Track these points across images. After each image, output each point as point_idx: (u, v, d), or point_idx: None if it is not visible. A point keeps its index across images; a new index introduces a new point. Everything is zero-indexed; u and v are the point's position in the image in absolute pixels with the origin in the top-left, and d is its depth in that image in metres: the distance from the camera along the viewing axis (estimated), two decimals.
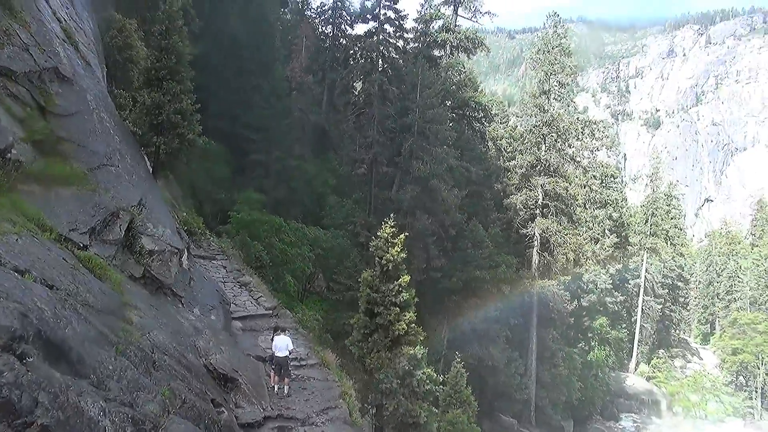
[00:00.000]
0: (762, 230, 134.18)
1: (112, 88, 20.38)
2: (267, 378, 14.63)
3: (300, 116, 51.67)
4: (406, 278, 13.96)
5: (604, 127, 69.03)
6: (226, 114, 47.04)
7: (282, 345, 14.50)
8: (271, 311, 19.12)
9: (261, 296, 20.51)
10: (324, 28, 64.29)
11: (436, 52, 53.61)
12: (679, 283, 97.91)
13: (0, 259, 7.16)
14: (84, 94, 13.45)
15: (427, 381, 14.12)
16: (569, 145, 51.89)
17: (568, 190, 49.32)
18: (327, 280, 42.73)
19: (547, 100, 49.56)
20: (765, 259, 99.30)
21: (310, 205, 47.97)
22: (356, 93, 55.51)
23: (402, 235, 14.27)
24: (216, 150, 44.80)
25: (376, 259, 14.32)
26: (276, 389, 14.39)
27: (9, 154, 9.93)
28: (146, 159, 16.82)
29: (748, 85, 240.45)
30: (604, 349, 71.80)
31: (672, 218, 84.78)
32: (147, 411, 7.32)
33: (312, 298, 40.19)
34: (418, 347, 13.91)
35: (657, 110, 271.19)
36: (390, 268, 14.06)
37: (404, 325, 13.74)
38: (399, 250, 14.03)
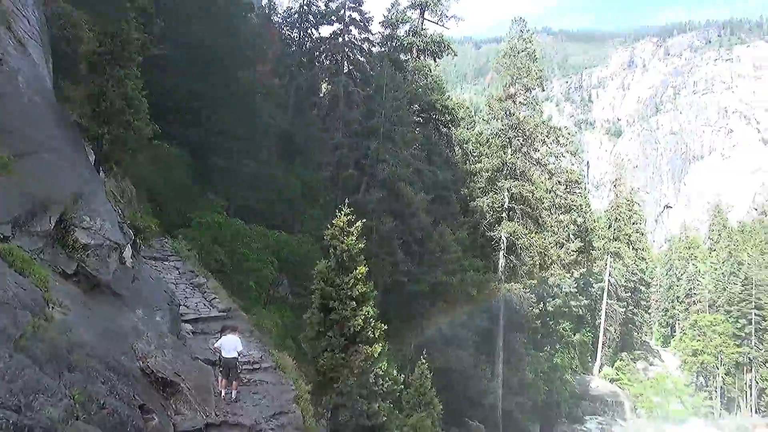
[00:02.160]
0: (719, 235, 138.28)
1: (59, 80, 19.30)
2: (216, 382, 13.63)
3: (266, 121, 50.70)
4: (363, 269, 13.04)
5: (569, 134, 69.97)
6: (190, 119, 45.86)
7: (230, 345, 13.49)
8: (225, 313, 18.22)
9: (215, 298, 19.60)
10: (290, 32, 63.53)
11: (403, 56, 53.48)
12: (641, 287, 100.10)
13: None
14: (14, 75, 12.49)
15: (387, 378, 13.18)
16: (535, 149, 52.28)
17: (534, 194, 49.63)
18: (292, 286, 41.92)
19: (513, 104, 49.86)
20: (722, 262, 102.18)
21: (275, 209, 47.02)
22: (322, 95, 54.88)
23: (359, 223, 13.44)
24: (177, 155, 43.62)
25: (331, 249, 13.43)
26: (223, 394, 13.36)
27: None
28: (89, 150, 15.81)
29: (705, 95, 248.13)
30: (569, 353, 72.57)
31: (634, 223, 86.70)
32: (41, 417, 6.52)
33: (276, 304, 39.28)
34: (377, 344, 12.92)
35: (618, 119, 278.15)
36: (346, 258, 13.15)
37: (361, 320, 12.83)
38: (355, 239, 13.15)
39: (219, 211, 36.70)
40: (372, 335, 13.05)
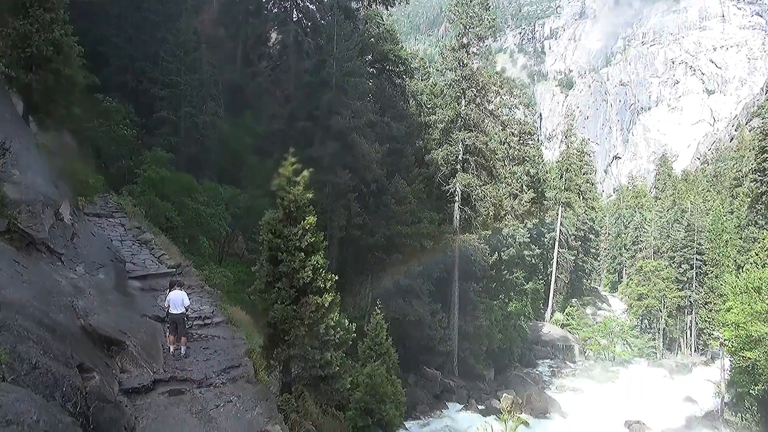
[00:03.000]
0: (664, 184, 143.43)
1: None
2: (165, 339, 13.36)
3: (211, 71, 48.73)
4: (312, 219, 12.67)
5: (522, 84, 69.53)
6: (129, 70, 43.73)
7: (177, 300, 13.17)
8: (174, 270, 17.71)
9: (163, 254, 19.04)
10: None
11: (354, 4, 51.82)
12: (591, 236, 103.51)
13: None
14: None
15: (339, 329, 13.07)
16: (489, 101, 52.16)
17: (487, 145, 49.76)
18: (246, 242, 41.32)
19: (466, 54, 49.27)
20: (667, 210, 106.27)
21: (225, 164, 45.80)
22: (271, 45, 52.95)
23: (305, 172, 13.04)
24: (120, 108, 41.65)
25: (278, 200, 13.01)
26: (172, 350, 13.12)
27: None
28: (17, 102, 14.69)
29: (653, 46, 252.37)
30: (522, 301, 74.74)
31: (584, 174, 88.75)
32: None
33: (231, 260, 38.70)
34: (327, 294, 12.74)
35: (570, 71, 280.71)
36: (293, 209, 12.75)
37: (310, 271, 12.53)
38: (302, 189, 12.78)
39: (165, 166, 35.44)
40: (322, 286, 12.81)
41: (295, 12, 48.22)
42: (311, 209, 12.82)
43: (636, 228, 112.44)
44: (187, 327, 13.56)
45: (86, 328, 10.05)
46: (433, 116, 52.18)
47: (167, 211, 31.23)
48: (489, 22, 49.66)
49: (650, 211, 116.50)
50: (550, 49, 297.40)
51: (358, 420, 17.78)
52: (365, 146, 42.15)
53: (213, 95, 48.43)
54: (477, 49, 50.51)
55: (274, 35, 52.92)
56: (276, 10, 50.65)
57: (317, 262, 12.58)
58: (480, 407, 46.27)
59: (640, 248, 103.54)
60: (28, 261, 10.58)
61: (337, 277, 13.12)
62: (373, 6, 53.20)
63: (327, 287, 12.76)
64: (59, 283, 10.84)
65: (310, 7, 49.73)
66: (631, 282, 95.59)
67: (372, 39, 49.45)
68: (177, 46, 42.44)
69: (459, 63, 49.38)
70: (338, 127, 40.71)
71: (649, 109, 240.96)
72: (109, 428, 8.07)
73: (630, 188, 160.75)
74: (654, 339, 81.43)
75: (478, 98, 50.56)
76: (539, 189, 76.65)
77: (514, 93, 70.06)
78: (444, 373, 48.44)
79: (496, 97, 55.47)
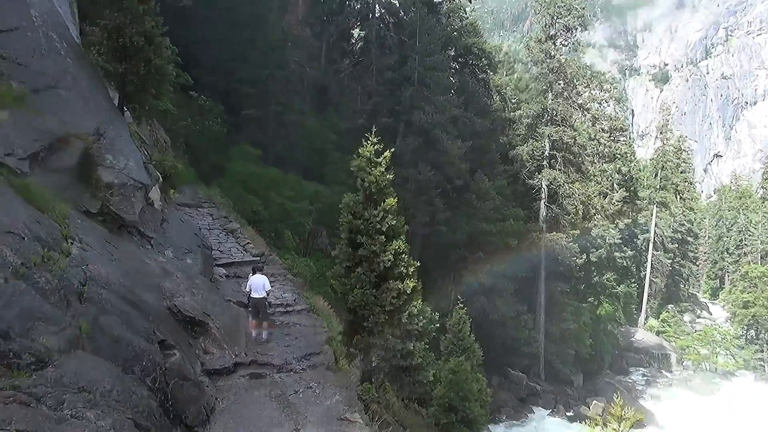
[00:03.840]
0: None
1: (85, 25, 18.76)
2: (247, 325, 13.43)
3: (297, 69, 49.73)
4: (392, 201, 12.20)
5: (613, 79, 66.70)
6: (220, 69, 45.39)
7: (258, 284, 13.19)
8: (258, 258, 17.96)
9: (248, 243, 19.41)
10: None
11: None
12: (689, 238, 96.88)
13: None
14: (26, 9, 11.93)
15: (421, 317, 12.52)
16: (577, 94, 49.87)
17: (576, 140, 47.56)
18: (329, 237, 41.67)
19: (553, 46, 47.34)
20: None
21: (310, 161, 46.52)
22: (353, 42, 53.31)
23: (387, 152, 12.62)
24: (211, 106, 43.33)
25: (359, 181, 12.66)
26: (254, 335, 13.18)
27: None
28: (113, 93, 15.29)
29: (759, 36, 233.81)
30: (613, 305, 71.09)
31: (682, 172, 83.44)
32: (35, 344, 6.19)
33: (314, 255, 39.17)
34: (409, 280, 12.24)
35: (665, 64, 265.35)
36: (374, 191, 12.33)
37: (391, 255, 12.06)
38: (383, 170, 12.36)
39: (253, 161, 36.42)
40: (404, 271, 12.35)
41: (377, 8, 48.19)
42: (392, 191, 12.43)
43: (740, 231, 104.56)
44: (268, 312, 13.58)
45: (171, 309, 10.17)
46: (518, 111, 50.61)
47: (254, 205, 31.98)
48: (578, 11, 47.49)
49: (756, 212, 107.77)
50: (643, 42, 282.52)
51: (441, 416, 17.15)
52: (448, 142, 41.44)
53: (298, 93, 49.44)
54: (565, 41, 48.42)
55: (356, 32, 53.23)
56: (359, 6, 50.89)
57: (399, 247, 12.14)
58: (568, 413, 44.39)
59: (745, 252, 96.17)
60: (119, 242, 10.87)
61: (418, 264, 12.64)
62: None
63: (409, 273, 12.30)
64: (148, 265, 11.09)
65: (393, 2, 49.50)
66: (734, 289, 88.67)
67: (455, 33, 48.63)
68: (265, 44, 43.58)
69: (546, 55, 47.52)
70: (420, 122, 40.23)
71: (755, 103, 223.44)
72: (187, 405, 8.08)
73: (733, 188, 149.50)
74: (762, 351, 74.94)
75: (566, 91, 48.48)
76: (631, 188, 72.72)
77: (605, 87, 66.75)
78: (529, 376, 46.83)
79: (585, 91, 52.90)
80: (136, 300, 8.78)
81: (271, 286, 13.83)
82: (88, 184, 10.87)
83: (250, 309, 13.43)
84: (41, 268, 7.20)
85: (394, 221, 12.17)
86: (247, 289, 13.35)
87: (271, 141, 43.10)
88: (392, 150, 12.89)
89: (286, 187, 35.94)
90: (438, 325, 14.38)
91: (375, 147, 12.57)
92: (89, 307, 7.42)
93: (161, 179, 14.16)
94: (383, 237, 12.01)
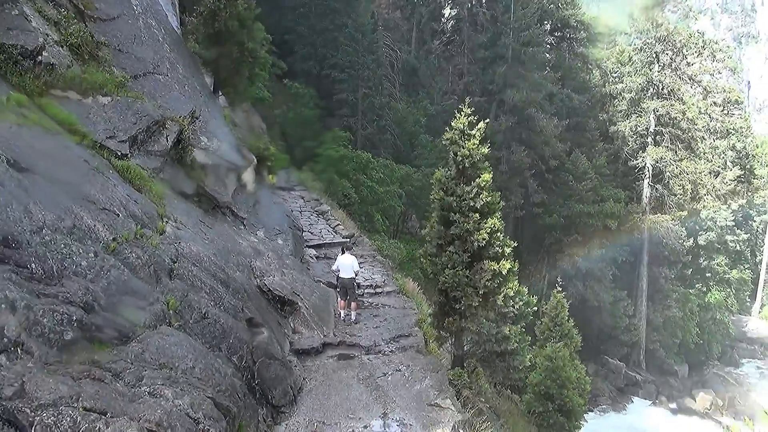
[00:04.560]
0: None
1: (185, 16, 19.55)
2: (336, 305, 13.38)
3: (387, 53, 49.56)
4: (487, 176, 11.44)
5: (727, 47, 61.50)
6: (313, 56, 46.23)
7: (347, 265, 12.96)
8: (348, 239, 17.99)
9: (338, 224, 19.52)
10: None
11: None
12: None
13: None
14: None
15: (518, 300, 11.73)
16: (687, 64, 46.21)
17: (685, 114, 44.13)
18: (420, 220, 41.55)
19: (661, 13, 44.00)
20: None
21: (400, 144, 46.43)
22: (444, 21, 52.29)
23: (482, 124, 11.88)
24: (304, 92, 44.25)
25: (451, 155, 11.97)
26: (343, 315, 13.08)
27: (40, 57, 9.05)
28: (208, 78, 15.79)
29: None
30: (724, 291, 66.03)
31: None
32: (119, 318, 6.23)
33: (405, 238, 39.20)
34: (505, 261, 11.44)
35: None
36: (467, 165, 11.60)
37: (486, 234, 11.30)
38: (478, 143, 11.59)
39: (344, 145, 36.81)
40: (500, 251, 11.57)
41: None
42: (487, 166, 11.70)
43: None
44: (357, 293, 13.50)
45: (261, 287, 10.33)
46: (620, 84, 47.59)
47: (344, 189, 32.36)
48: None
49: None
50: (762, 5, 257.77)
51: (537, 404, 16.44)
52: (543, 120, 39.85)
53: (388, 76, 49.31)
54: (674, 7, 44.90)
55: (447, 11, 52.16)
56: None
57: (494, 225, 11.39)
58: (671, 405, 42.01)
59: None
60: (212, 222, 11.20)
61: (515, 244, 11.84)
62: None
63: (505, 253, 11.54)
64: (240, 245, 11.34)
65: None
66: None
67: (551, 5, 46.39)
68: (356, 29, 43.76)
69: (652, 23, 44.26)
70: (514, 101, 38.91)
71: None
72: (274, 384, 8.08)
73: None
74: None
75: (674, 62, 45.03)
76: (747, 165, 66.84)
77: (717, 56, 61.49)
78: (629, 365, 44.67)
79: (696, 61, 48.89)
80: (226, 278, 8.97)
81: (360, 268, 13.69)
82: (183, 165, 11.26)
83: (338, 289, 13.37)
84: (133, 244, 7.46)
85: (489, 198, 11.43)
86: (336, 269, 13.27)
87: (362, 124, 43.39)
88: (486, 121, 12.16)
89: (377, 170, 36.08)
90: (535, 308, 13.69)
91: (469, 119, 11.87)
92: (179, 284, 7.60)
93: (255, 161, 14.49)
94: (477, 214, 11.29)
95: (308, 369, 10.09)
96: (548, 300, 21.99)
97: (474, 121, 11.93)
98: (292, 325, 10.97)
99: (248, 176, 13.76)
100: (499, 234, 11.57)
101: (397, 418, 8.92)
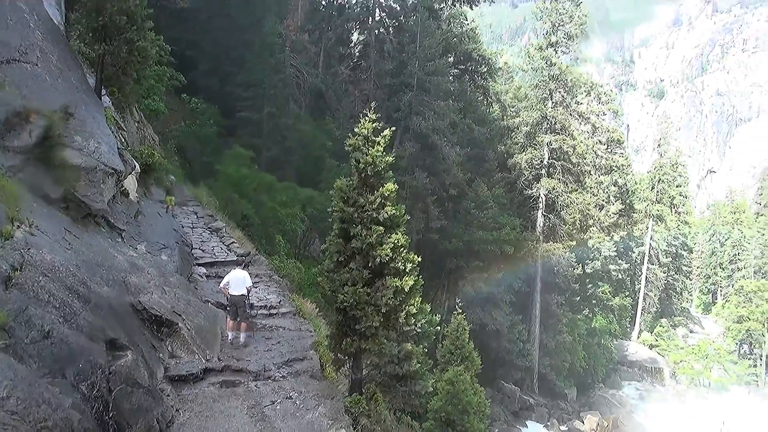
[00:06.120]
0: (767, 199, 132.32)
1: (70, 13, 17.86)
2: (225, 327, 12.15)
3: (294, 73, 48.85)
4: (392, 187, 10.86)
5: (611, 90, 66.31)
6: (217, 72, 44.64)
7: (238, 280, 11.87)
8: (244, 258, 16.87)
9: (233, 242, 18.34)
10: None
11: (437, 4, 50.48)
12: (683, 252, 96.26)
13: None
14: None
15: (420, 318, 11.07)
16: (577, 103, 49.23)
17: (575, 149, 46.83)
18: (321, 244, 40.63)
19: (554, 53, 46.70)
20: None
21: (305, 166, 45.49)
22: (352, 46, 52.51)
23: (387, 131, 11.34)
24: (204, 108, 42.47)
25: (353, 162, 11.28)
26: (231, 338, 11.88)
27: None
28: (89, 74, 14.29)
29: (755, 54, 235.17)
30: (608, 317, 70.24)
31: (678, 186, 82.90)
32: None
33: (307, 262, 38.15)
34: (408, 277, 10.84)
35: (661, 80, 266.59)
36: (370, 173, 10.97)
37: (389, 249, 10.71)
38: (382, 150, 11.03)
39: (246, 164, 35.45)
40: (402, 267, 10.98)
41: (377, 11, 47.43)
42: (391, 176, 11.10)
43: (734, 246, 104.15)
44: (249, 312, 12.35)
45: (135, 306, 9.13)
46: (517, 119, 49.85)
47: (244, 209, 31.01)
48: (580, 19, 46.94)
49: (750, 228, 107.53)
50: (640, 57, 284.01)
51: (437, 431, 15.96)
52: (446, 148, 40.63)
53: (294, 97, 48.52)
54: (566, 49, 47.82)
55: (355, 36, 52.47)
56: (358, 10, 50.12)
57: (398, 240, 10.76)
58: (562, 428, 43.40)
59: (739, 267, 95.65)
60: (81, 232, 9.86)
61: (419, 259, 11.25)
62: (457, 5, 51.66)
63: (407, 270, 10.94)
64: (114, 258, 10.05)
65: (394, 6, 48.76)
66: (728, 303, 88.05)
67: (455, 39, 47.94)
68: (262, 47, 42.77)
69: (547, 62, 46.87)
70: (419, 127, 39.42)
71: (750, 120, 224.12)
72: (135, 417, 6.84)
73: (728, 203, 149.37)
74: (755, 365, 74.12)
75: (565, 100, 47.82)
76: (627, 201, 72.29)
77: (602, 99, 66.41)
78: (523, 389, 45.77)
79: (584, 101, 52.28)
80: (87, 293, 7.72)
81: (255, 288, 12.61)
82: (50, 166, 9.86)
83: (228, 308, 12.17)
84: None
85: (394, 210, 10.77)
86: (225, 284, 12.06)
87: (266, 145, 42.16)
88: (393, 129, 11.63)
89: (280, 192, 35.01)
90: (439, 327, 13.19)
91: (374, 125, 11.23)
92: (17, 295, 6.36)
93: (138, 168, 13.17)
94: (381, 228, 10.65)
95: (184, 398, 8.87)
96: (449, 324, 21.84)
97: (379, 128, 11.35)
98: (170, 348, 9.72)
99: (130, 184, 12.45)
100: (402, 249, 10.96)
101: None
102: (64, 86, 11.44)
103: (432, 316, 12.09)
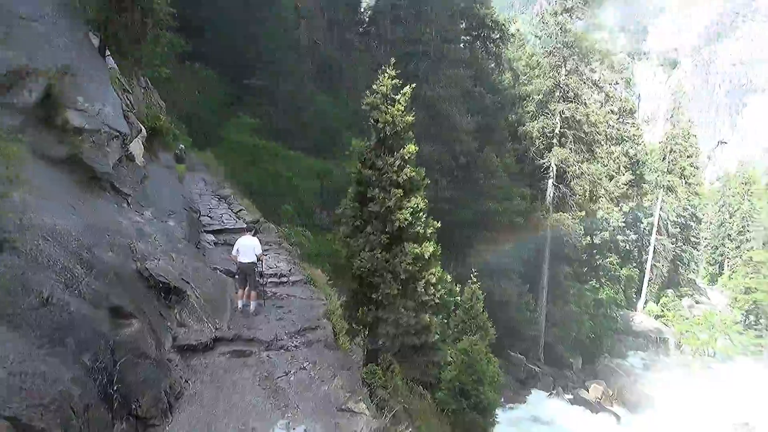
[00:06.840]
0: None
1: None
2: (234, 295, 11.75)
3: (306, 44, 47.61)
4: (413, 148, 10.25)
5: (624, 59, 64.54)
6: (224, 39, 43.56)
7: (248, 247, 11.38)
8: (252, 225, 16.45)
9: (242, 210, 17.94)
10: None
11: None
12: (692, 223, 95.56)
13: None
14: None
15: (440, 287, 10.49)
16: (591, 70, 48.11)
17: (588, 117, 45.89)
18: (332, 217, 40.23)
19: (569, 19, 45.41)
20: None
21: (318, 137, 44.64)
22: (362, 11, 51.25)
23: (407, 88, 10.64)
24: (211, 75, 41.59)
25: (371, 122, 10.61)
26: (240, 306, 11.47)
27: None
28: (93, 36, 13.63)
29: None
30: (614, 288, 70.12)
31: (689, 156, 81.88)
32: None
33: (315, 231, 37.87)
34: (428, 243, 10.27)
35: (675, 50, 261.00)
36: (389, 134, 10.32)
37: (408, 214, 10.12)
38: (402, 110, 10.32)
39: (248, 133, 34.89)
40: (421, 232, 10.43)
41: None
42: (412, 136, 10.47)
43: (743, 217, 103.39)
44: (259, 280, 11.94)
45: (141, 272, 8.78)
46: (529, 86, 48.81)
47: (251, 178, 30.63)
48: None
49: (761, 199, 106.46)
50: (654, 26, 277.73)
51: (451, 402, 15.61)
52: (457, 117, 39.80)
53: (305, 66, 47.39)
54: (581, 14, 46.45)
55: (365, 1, 51.15)
56: None
57: (417, 204, 10.21)
58: (567, 396, 43.64)
59: (747, 239, 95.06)
60: (86, 196, 9.50)
61: (438, 224, 10.70)
62: None
63: (428, 235, 10.40)
64: (120, 224, 9.70)
65: None
66: (736, 274, 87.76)
67: (465, 4, 46.57)
68: (277, 24, 41.64)
69: (561, 29, 45.63)
70: (429, 95, 38.56)
71: (764, 90, 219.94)
72: (142, 390, 6.49)
73: (739, 174, 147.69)
74: (761, 336, 74.09)
75: (579, 67, 46.71)
76: (638, 171, 71.48)
77: (615, 68, 65.01)
78: (529, 358, 45.89)
79: (598, 69, 51.10)
80: (90, 259, 7.37)
81: (265, 255, 12.18)
82: (52, 126, 9.42)
83: (237, 277, 11.80)
84: None
85: (414, 173, 10.19)
86: (234, 253, 11.63)
87: (274, 113, 41.39)
88: (413, 86, 10.86)
89: (289, 162, 34.57)
90: (459, 297, 12.75)
91: (393, 82, 10.51)
92: (12, 259, 5.98)
93: (144, 132, 12.72)
94: (400, 190, 10.04)
95: (193, 369, 8.54)
96: (467, 286, 21.28)
97: (399, 84, 10.64)
98: (178, 317, 9.39)
99: (136, 148, 12.04)
100: (422, 213, 10.42)
101: (301, 428, 7.62)
102: (67, 46, 10.91)
103: (453, 285, 11.64)
